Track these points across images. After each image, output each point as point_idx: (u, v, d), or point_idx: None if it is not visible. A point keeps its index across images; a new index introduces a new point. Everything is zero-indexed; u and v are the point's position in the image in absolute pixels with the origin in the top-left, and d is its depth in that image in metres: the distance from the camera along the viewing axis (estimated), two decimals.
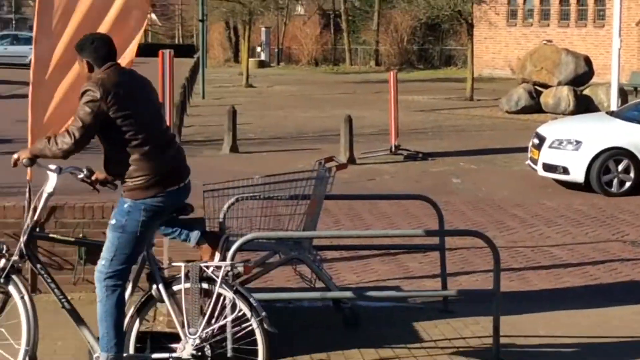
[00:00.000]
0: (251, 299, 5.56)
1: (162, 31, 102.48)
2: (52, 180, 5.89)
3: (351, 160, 17.41)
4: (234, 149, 19.07)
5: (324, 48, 60.95)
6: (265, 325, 5.54)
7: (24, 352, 5.79)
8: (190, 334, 5.60)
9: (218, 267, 5.60)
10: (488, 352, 6.72)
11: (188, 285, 5.60)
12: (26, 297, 5.83)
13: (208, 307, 5.56)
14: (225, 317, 5.57)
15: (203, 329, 5.56)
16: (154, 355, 5.73)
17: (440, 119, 26.78)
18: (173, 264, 5.84)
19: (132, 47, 7.33)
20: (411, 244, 8.86)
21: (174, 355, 5.64)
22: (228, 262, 5.76)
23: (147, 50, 67.11)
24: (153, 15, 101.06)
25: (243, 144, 19.68)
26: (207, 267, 5.61)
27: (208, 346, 5.59)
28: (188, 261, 5.66)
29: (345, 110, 22.93)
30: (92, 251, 7.81)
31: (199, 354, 5.58)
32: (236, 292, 5.56)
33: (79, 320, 5.88)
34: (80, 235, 7.81)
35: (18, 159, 5.79)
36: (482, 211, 12.98)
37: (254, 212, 7.55)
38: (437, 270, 8.32)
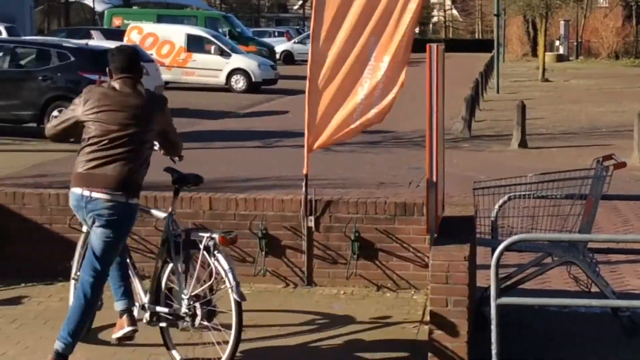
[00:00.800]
0: (226, 266, 6.00)
1: (463, 27, 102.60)
2: None
3: None
4: (522, 144, 18.68)
5: (625, 40, 58.64)
6: (234, 294, 5.93)
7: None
8: (184, 294, 6.15)
9: (201, 237, 6.14)
10: None
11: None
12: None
13: (194, 271, 6.16)
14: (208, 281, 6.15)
15: (192, 290, 6.13)
16: (159, 309, 6.30)
17: None
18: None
19: (399, 48, 7.38)
20: None
21: (175, 311, 6.25)
22: (209, 233, 6.19)
23: (447, 46, 67.52)
24: (454, 11, 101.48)
25: (533, 139, 19.23)
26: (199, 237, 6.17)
27: (199, 305, 6.12)
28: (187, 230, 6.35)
29: None
30: (365, 246, 7.88)
31: (191, 312, 6.15)
32: (216, 259, 6.07)
33: (132, 275, 6.52)
34: (354, 230, 7.87)
35: None
36: None
37: (527, 211, 7.29)
38: None
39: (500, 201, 7.30)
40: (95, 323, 6.63)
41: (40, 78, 19.26)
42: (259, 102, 29.54)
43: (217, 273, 6.09)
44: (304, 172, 7.88)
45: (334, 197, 8.04)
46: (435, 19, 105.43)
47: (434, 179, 6.40)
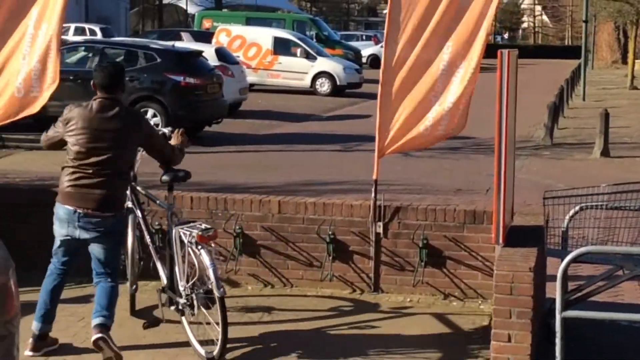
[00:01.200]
0: (207, 263, 6.20)
1: (553, 33, 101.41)
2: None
3: None
4: (605, 153, 18.34)
5: None
6: (214, 290, 6.12)
7: None
8: (181, 285, 6.51)
9: (186, 233, 6.41)
10: None
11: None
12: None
13: (184, 265, 6.47)
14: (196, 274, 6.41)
15: (187, 281, 6.45)
16: (171, 295, 6.66)
17: None
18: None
19: (477, 51, 7.36)
20: None
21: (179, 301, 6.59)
22: (193, 229, 6.39)
23: (536, 52, 66.90)
24: (544, 17, 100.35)
25: (616, 148, 18.86)
26: (184, 233, 6.44)
27: (195, 295, 6.39)
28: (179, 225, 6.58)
29: None
30: (433, 254, 7.80)
31: (189, 302, 6.47)
32: (200, 254, 6.28)
33: (161, 258, 6.87)
34: (422, 237, 7.80)
35: None
36: None
37: (599, 222, 7.12)
38: None
39: (572, 211, 7.14)
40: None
41: (127, 78, 19.46)
42: (343, 106, 29.56)
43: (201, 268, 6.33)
44: (374, 177, 7.85)
45: (403, 203, 7.99)
46: (525, 25, 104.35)
47: (502, 187, 6.30)
